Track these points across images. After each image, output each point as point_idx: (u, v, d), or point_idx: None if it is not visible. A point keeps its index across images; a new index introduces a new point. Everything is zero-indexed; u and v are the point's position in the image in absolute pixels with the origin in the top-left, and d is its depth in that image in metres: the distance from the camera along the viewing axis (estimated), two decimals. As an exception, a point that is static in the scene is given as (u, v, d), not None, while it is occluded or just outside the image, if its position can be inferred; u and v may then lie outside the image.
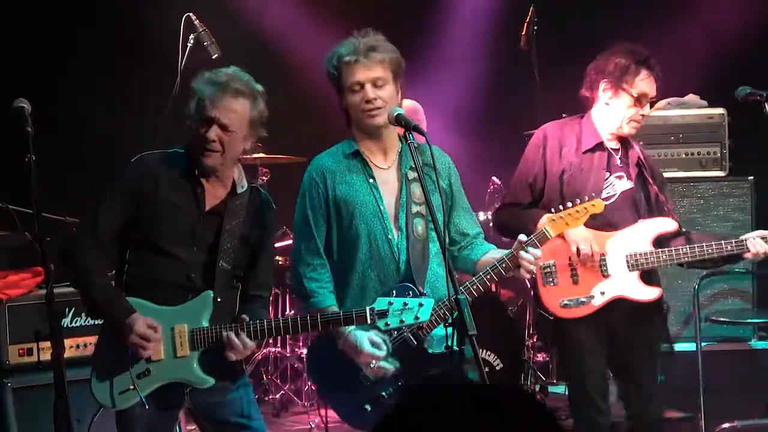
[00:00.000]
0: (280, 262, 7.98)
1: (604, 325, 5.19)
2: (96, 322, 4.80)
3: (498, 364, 6.83)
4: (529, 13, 8.48)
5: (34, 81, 7.81)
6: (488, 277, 4.45)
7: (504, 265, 4.44)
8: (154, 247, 4.36)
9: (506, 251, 4.50)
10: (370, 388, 4.39)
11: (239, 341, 4.24)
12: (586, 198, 4.61)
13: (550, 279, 5.16)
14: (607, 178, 5.21)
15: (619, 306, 5.16)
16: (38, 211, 3.96)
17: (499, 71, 9.49)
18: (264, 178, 8.04)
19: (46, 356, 5.55)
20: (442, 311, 4.38)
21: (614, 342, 5.24)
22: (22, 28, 8.29)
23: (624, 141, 5.30)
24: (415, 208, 4.49)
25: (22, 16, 8.28)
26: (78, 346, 5.63)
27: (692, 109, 7.06)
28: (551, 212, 4.64)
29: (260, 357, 7.87)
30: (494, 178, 8.12)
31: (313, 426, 7.32)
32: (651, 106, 5.26)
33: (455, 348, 4.28)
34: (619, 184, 5.21)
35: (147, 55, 8.56)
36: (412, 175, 4.50)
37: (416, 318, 4.17)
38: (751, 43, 5.10)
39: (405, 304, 4.16)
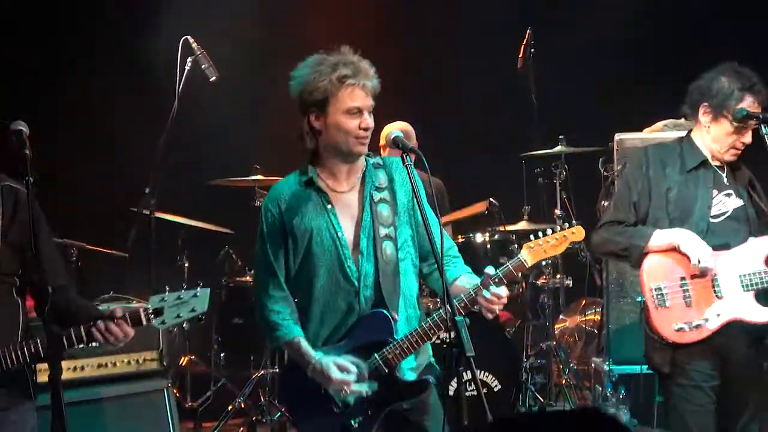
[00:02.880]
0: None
1: (717, 352, 4.91)
2: (94, 344, 4.73)
3: (496, 386, 6.81)
4: (527, 36, 8.53)
5: (33, 103, 7.84)
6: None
7: (461, 305, 4.22)
8: None
9: (473, 284, 4.29)
10: (340, 416, 4.30)
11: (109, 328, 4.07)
12: (567, 225, 4.39)
13: (662, 301, 4.88)
14: (715, 196, 4.98)
15: (734, 331, 4.88)
16: (36, 233, 3.94)
17: (496, 93, 9.51)
18: (261, 200, 8.04)
19: (43, 378, 5.53)
20: (414, 339, 4.26)
21: (727, 371, 4.94)
22: (21, 51, 8.31)
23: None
24: (383, 231, 4.34)
25: (20, 39, 8.31)
26: (74, 369, 5.60)
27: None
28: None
29: (257, 378, 7.84)
30: (491, 199, 8.12)
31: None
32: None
33: (431, 378, 4.38)
34: (729, 202, 4.99)
35: (144, 77, 8.59)
36: (378, 196, 4.38)
37: (193, 310, 4.10)
38: (748, 63, 5.07)
39: (179, 297, 4.07)
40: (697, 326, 4.85)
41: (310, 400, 4.34)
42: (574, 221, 4.47)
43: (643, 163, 5.08)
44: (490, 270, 4.26)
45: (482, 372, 6.72)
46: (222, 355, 8.38)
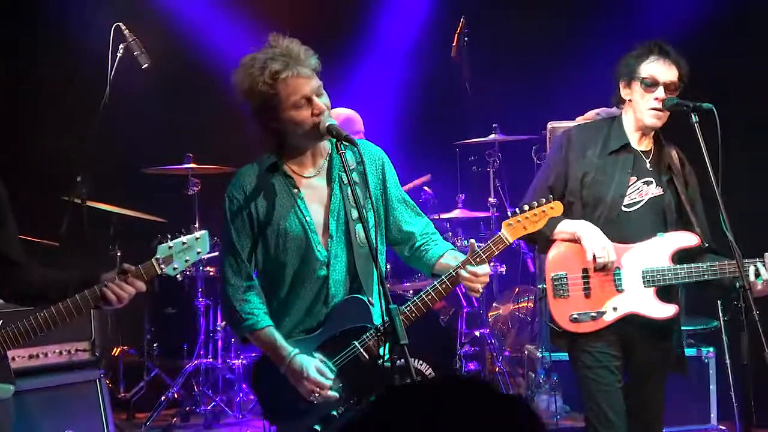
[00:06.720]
0: (211, 273, 7.94)
1: (619, 339, 4.92)
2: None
3: (430, 373, 6.83)
4: (460, 24, 8.55)
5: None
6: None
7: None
8: None
9: (456, 264, 4.25)
10: (320, 407, 4.17)
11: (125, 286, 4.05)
12: (544, 201, 4.37)
13: (561, 291, 4.89)
14: (632, 183, 4.96)
15: (634, 321, 4.90)
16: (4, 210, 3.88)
17: (430, 81, 9.53)
18: (195, 188, 7.99)
19: None
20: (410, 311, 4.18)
21: (631, 358, 4.99)
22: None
23: (659, 144, 5.06)
24: (354, 214, 4.20)
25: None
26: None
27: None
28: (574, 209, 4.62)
29: (191, 368, 7.81)
30: (426, 188, 8.15)
31: (245, 437, 7.28)
32: (674, 92, 4.92)
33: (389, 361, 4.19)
34: (646, 190, 4.97)
35: (76, 63, 8.49)
36: (346, 177, 4.18)
37: (198, 252, 4.11)
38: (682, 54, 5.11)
39: (184, 243, 4.11)
40: (593, 318, 4.87)
41: (287, 391, 4.20)
42: (551, 196, 4.50)
43: (564, 145, 5.07)
44: (473, 243, 4.23)
45: (416, 360, 6.73)
46: (155, 345, 8.33)
